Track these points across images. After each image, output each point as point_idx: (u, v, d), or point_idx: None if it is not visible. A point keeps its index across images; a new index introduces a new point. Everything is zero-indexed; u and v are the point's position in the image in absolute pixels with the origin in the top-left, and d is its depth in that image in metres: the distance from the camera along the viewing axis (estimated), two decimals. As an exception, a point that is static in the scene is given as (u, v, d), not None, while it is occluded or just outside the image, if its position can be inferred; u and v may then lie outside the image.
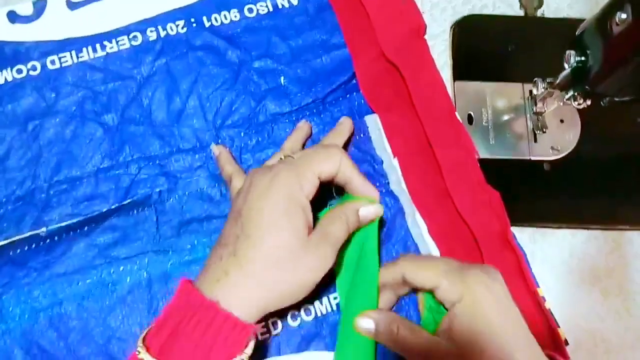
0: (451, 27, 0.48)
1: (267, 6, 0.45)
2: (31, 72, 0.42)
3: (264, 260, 0.29)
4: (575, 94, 0.38)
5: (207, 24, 0.44)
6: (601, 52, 0.34)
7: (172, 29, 0.43)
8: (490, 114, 0.45)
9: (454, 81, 0.46)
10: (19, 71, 0.42)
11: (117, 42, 0.43)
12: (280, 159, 0.36)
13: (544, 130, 0.43)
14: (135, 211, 0.39)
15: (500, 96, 0.46)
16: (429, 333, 0.32)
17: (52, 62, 0.42)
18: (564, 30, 0.47)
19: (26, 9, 0.44)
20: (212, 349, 0.28)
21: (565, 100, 0.39)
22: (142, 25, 0.44)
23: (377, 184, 0.41)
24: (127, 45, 0.43)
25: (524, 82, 0.45)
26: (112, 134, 0.41)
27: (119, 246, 0.38)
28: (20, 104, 0.41)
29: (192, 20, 0.44)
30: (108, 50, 0.43)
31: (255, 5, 0.45)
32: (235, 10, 0.45)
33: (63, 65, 0.42)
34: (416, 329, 0.32)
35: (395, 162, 0.41)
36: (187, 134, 0.41)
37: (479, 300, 0.31)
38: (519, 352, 0.29)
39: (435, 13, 0.48)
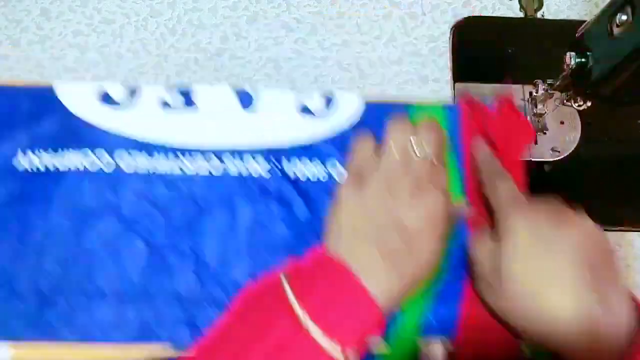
0: (451, 29, 0.48)
1: None
2: (102, 167, 0.40)
3: (419, 275, 0.33)
4: (576, 95, 0.38)
5: (291, 175, 0.40)
6: (601, 53, 0.34)
7: (254, 169, 0.40)
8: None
9: (454, 83, 0.46)
10: (92, 162, 0.40)
11: (195, 163, 0.40)
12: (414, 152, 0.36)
13: (545, 131, 0.43)
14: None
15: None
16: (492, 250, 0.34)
17: (127, 163, 0.40)
18: (564, 32, 0.47)
19: (118, 92, 0.41)
20: (356, 334, 0.30)
21: (565, 101, 0.39)
22: (226, 155, 0.40)
23: None
24: (205, 172, 0.40)
25: (524, 83, 0.45)
26: (155, 259, 0.38)
27: None
28: (79, 196, 0.39)
29: (277, 164, 0.40)
30: (185, 169, 0.40)
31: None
32: (322, 167, 0.40)
33: (136, 170, 0.40)
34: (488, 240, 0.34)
35: None
36: (228, 285, 0.38)
37: (511, 253, 0.32)
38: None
39: (436, 15, 0.48)
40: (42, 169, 0.40)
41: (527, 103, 0.45)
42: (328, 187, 0.40)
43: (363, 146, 0.37)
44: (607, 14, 0.33)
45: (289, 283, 0.30)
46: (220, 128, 0.41)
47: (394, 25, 0.47)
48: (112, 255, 0.38)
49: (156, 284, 0.38)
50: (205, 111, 0.42)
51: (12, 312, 0.37)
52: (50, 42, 0.44)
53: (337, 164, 0.41)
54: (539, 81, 0.42)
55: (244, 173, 0.40)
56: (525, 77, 0.45)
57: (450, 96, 0.46)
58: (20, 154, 0.40)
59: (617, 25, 0.32)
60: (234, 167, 0.40)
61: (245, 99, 0.42)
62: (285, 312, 0.30)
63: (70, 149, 0.40)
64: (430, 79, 0.45)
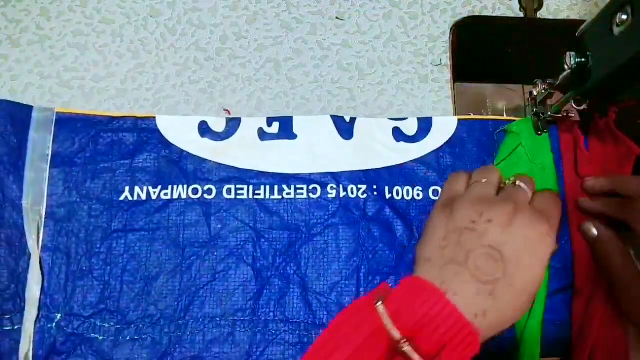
0: (451, 29, 0.48)
1: None
2: (206, 196, 0.41)
3: (517, 310, 0.30)
4: (575, 95, 0.38)
5: (387, 196, 0.41)
6: (601, 53, 0.34)
7: (352, 192, 0.41)
8: (491, 115, 0.45)
9: (454, 83, 0.46)
10: (195, 191, 0.40)
11: (295, 189, 0.41)
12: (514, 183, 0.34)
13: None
14: None
15: (500, 97, 0.46)
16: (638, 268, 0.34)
17: (229, 191, 0.41)
18: (564, 32, 0.47)
19: (219, 124, 0.42)
20: (452, 355, 0.28)
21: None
22: (324, 179, 0.41)
23: None
24: (304, 196, 0.41)
25: (524, 83, 0.45)
26: (262, 284, 0.39)
27: None
28: (186, 226, 0.40)
29: (375, 187, 0.41)
30: (284, 195, 0.41)
31: (441, 188, 0.41)
32: (420, 188, 0.42)
33: (238, 197, 0.41)
34: (629, 258, 0.34)
35: None
36: (334, 309, 0.39)
37: None
38: None
39: (435, 15, 0.48)
40: (145, 198, 0.40)
41: (526, 103, 0.45)
42: (425, 207, 0.41)
43: (457, 177, 0.35)
44: (607, 14, 0.33)
45: (384, 304, 0.29)
46: (317, 156, 0.42)
47: (394, 25, 0.47)
48: (221, 283, 0.39)
49: (264, 307, 0.39)
50: (303, 139, 0.42)
51: (124, 339, 0.38)
52: (50, 42, 0.44)
53: (432, 182, 0.41)
54: (539, 81, 0.42)
55: (342, 195, 0.41)
56: (525, 77, 0.45)
57: (450, 96, 0.46)
58: (124, 185, 0.41)
59: (617, 25, 0.32)
60: (332, 190, 0.41)
61: (343, 126, 0.43)
62: (378, 333, 0.28)
63: (173, 180, 0.41)
64: (430, 78, 0.46)
